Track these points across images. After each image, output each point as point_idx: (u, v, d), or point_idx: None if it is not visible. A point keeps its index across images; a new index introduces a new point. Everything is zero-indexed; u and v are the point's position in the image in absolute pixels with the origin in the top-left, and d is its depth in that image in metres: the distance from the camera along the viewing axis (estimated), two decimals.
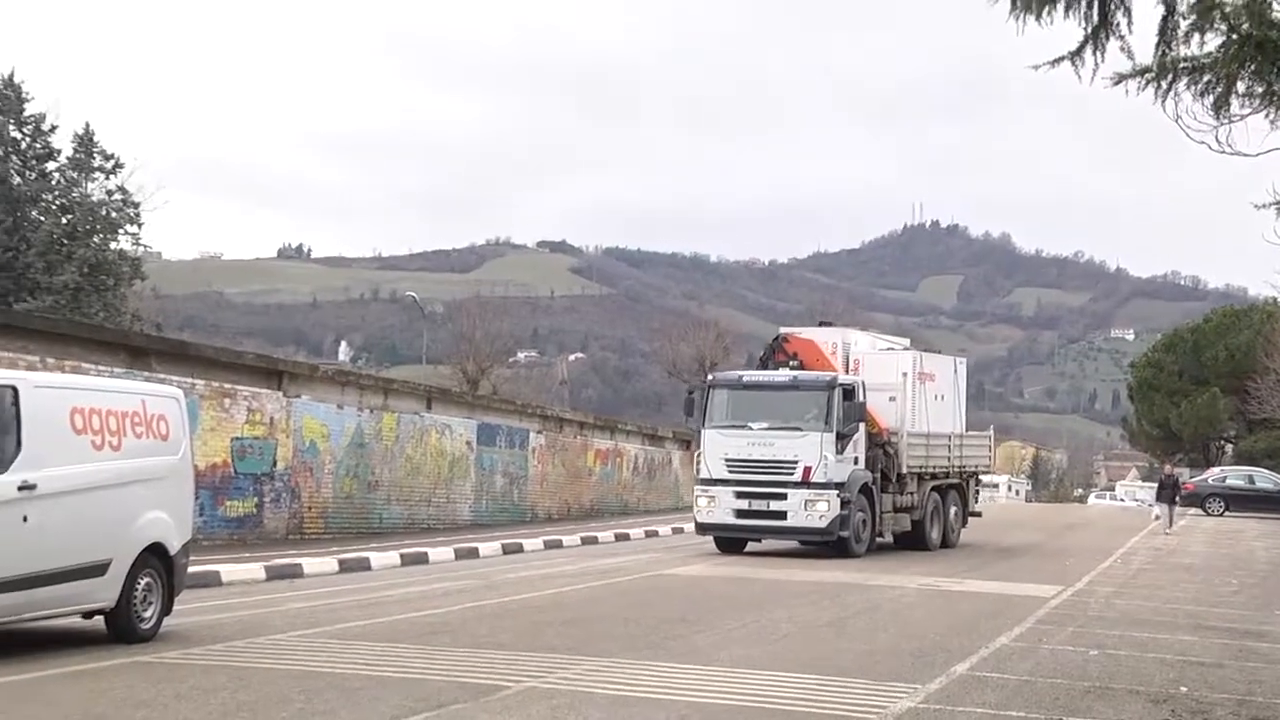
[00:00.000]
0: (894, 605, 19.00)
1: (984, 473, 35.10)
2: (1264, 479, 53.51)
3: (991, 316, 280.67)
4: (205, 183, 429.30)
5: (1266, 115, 11.19)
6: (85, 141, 54.90)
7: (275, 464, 28.01)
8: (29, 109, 53.78)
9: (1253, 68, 10.79)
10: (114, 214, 54.83)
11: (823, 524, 26.43)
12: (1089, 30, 11.09)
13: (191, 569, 15.23)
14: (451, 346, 68.56)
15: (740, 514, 27.04)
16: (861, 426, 27.37)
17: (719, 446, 27.27)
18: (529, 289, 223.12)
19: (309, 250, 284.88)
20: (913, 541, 29.57)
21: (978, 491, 34.49)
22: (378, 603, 17.62)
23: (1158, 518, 40.35)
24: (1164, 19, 11.15)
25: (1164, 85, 11.18)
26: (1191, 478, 54.89)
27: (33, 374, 15.62)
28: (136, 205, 55.26)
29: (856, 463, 27.28)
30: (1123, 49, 11.18)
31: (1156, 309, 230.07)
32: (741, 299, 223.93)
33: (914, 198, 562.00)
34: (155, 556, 13.75)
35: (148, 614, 13.63)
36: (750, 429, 27.03)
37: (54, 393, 13.10)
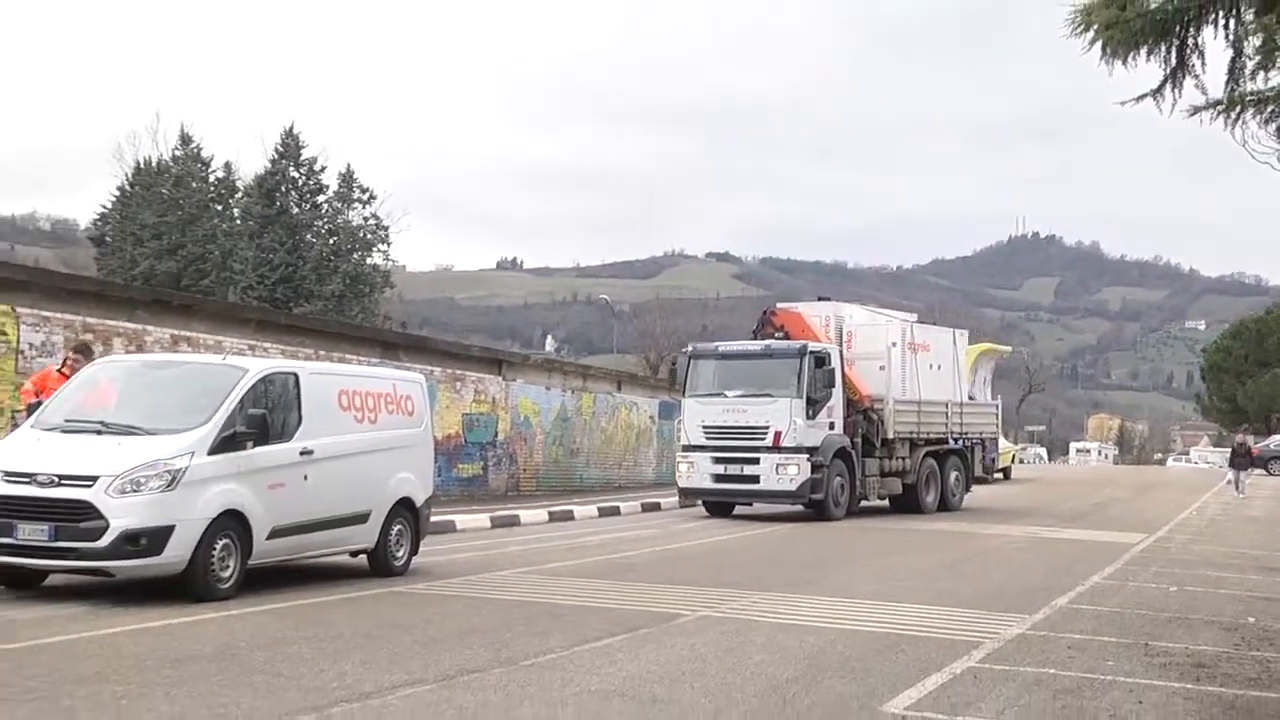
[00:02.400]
0: (1001, 551, 18.65)
1: (990, 440, 29.74)
2: None
3: (1084, 311, 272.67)
4: (437, 209, 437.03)
5: None
6: (347, 178, 56.41)
7: (497, 435, 28.43)
8: (304, 153, 55.45)
9: None
10: (369, 235, 56.26)
11: (793, 487, 23.19)
12: (1168, 71, 10.78)
13: (432, 519, 15.45)
14: (636, 340, 68.77)
15: (718, 478, 23.83)
16: (836, 392, 23.80)
17: (698, 414, 24.13)
18: (699, 292, 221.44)
19: (521, 262, 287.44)
20: (906, 505, 25.96)
21: (991, 459, 29.86)
22: (580, 547, 17.77)
23: (1229, 481, 38.91)
24: (1233, 59, 10.80)
25: (1233, 115, 10.86)
26: (1256, 444, 53.00)
27: (309, 363, 16.04)
28: (386, 228, 56.73)
29: (832, 428, 23.81)
30: (1197, 86, 10.86)
31: (1224, 303, 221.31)
32: (873, 299, 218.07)
33: (1017, 212, 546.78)
34: (405, 508, 13.99)
35: (400, 554, 13.91)
36: (725, 397, 23.86)
37: (325, 378, 13.40)
